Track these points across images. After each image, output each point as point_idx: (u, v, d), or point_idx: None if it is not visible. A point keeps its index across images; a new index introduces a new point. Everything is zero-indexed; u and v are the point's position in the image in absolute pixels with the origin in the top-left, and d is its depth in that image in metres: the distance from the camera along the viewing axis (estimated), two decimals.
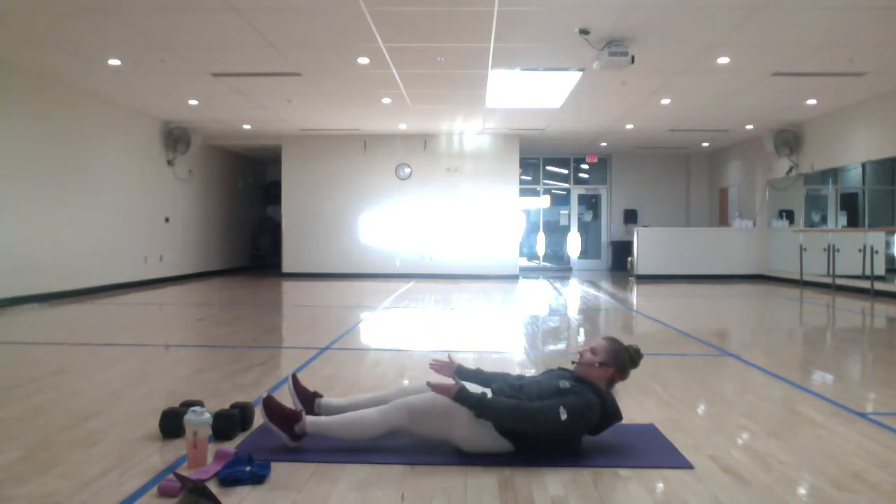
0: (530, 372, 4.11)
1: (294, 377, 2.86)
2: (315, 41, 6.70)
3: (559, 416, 2.43)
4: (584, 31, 6.29)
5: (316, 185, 13.04)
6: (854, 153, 9.74)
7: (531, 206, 15.67)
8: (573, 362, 2.75)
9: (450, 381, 2.58)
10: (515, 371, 4.01)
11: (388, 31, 6.39)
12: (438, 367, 2.89)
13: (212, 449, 2.52)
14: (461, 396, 2.46)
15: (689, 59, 7.27)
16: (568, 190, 15.65)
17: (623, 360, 2.67)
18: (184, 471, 2.30)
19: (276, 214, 14.85)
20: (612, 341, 2.72)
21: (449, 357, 2.93)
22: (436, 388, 2.51)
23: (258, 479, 2.25)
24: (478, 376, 2.80)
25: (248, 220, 15.53)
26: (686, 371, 4.13)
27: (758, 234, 12.54)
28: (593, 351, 2.69)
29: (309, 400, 2.79)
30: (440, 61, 7.43)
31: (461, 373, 2.83)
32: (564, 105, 9.65)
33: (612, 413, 2.58)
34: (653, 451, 2.57)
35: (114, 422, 2.95)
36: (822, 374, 4.14)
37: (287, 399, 2.85)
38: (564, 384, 2.57)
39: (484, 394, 2.52)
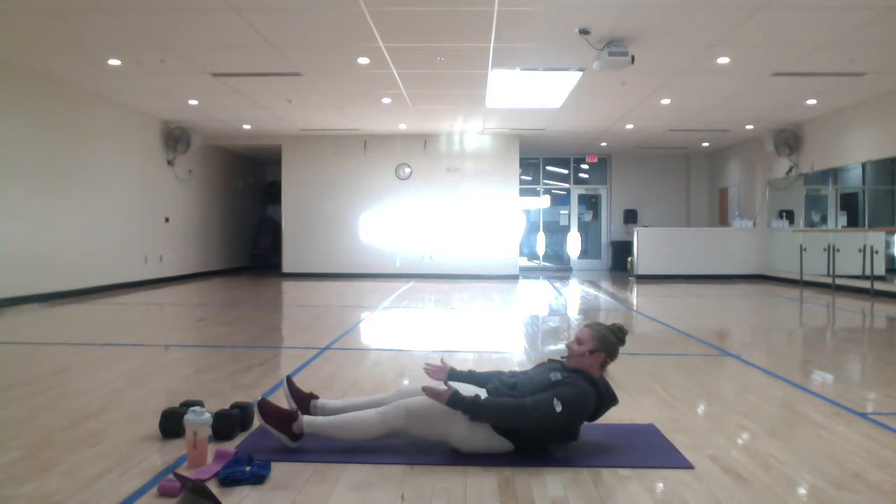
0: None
1: (289, 379, 2.86)
2: (315, 41, 6.70)
3: (554, 409, 2.42)
4: (584, 31, 6.29)
5: (316, 185, 13.04)
6: (854, 153, 9.74)
7: (531, 206, 15.67)
8: (562, 357, 2.74)
9: (442, 386, 2.58)
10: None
11: (388, 31, 6.39)
12: (432, 371, 2.88)
13: (212, 449, 2.52)
14: (454, 401, 2.46)
15: (689, 59, 7.27)
16: (568, 190, 15.65)
17: (610, 341, 2.65)
18: (184, 471, 2.30)
19: (276, 214, 14.85)
20: (595, 327, 2.70)
21: (441, 361, 2.93)
22: (429, 393, 2.50)
23: (258, 479, 2.25)
24: (471, 378, 2.79)
25: (248, 220, 15.53)
26: (686, 371, 4.13)
27: (758, 234, 12.54)
28: (579, 341, 2.67)
29: (305, 401, 2.79)
30: (440, 61, 7.43)
31: (454, 375, 2.82)
32: (564, 105, 9.65)
33: (607, 398, 2.58)
34: (653, 451, 2.57)
35: (114, 422, 2.95)
36: (823, 374, 4.14)
37: (284, 401, 2.85)
38: (556, 376, 2.57)
39: (477, 396, 2.51)
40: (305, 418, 2.55)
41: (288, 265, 13.03)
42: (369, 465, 2.40)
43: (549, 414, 2.42)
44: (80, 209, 8.93)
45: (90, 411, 3.12)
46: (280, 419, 2.54)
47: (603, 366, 2.66)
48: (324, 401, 2.82)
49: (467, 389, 2.58)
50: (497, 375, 2.76)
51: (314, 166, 13.01)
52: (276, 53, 7.10)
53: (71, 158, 8.70)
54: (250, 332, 5.73)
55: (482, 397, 2.51)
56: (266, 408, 2.57)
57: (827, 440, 2.74)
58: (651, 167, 15.34)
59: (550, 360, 2.79)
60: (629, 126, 11.52)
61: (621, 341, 2.68)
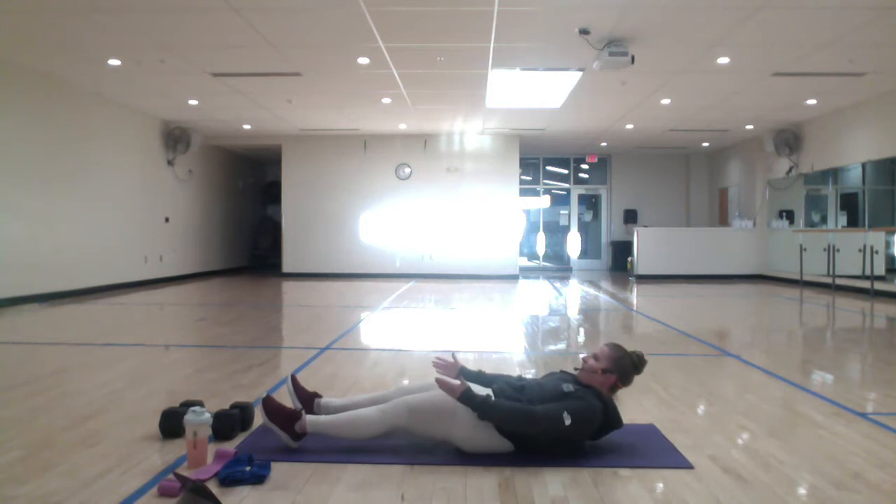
0: (531, 373, 4.11)
1: (293, 378, 2.86)
2: (315, 41, 6.70)
3: (563, 421, 2.42)
4: (584, 31, 6.29)
5: (316, 185, 13.04)
6: (854, 153, 9.74)
7: (531, 206, 15.67)
8: (576, 369, 2.74)
9: (455, 381, 2.58)
10: (516, 372, 4.01)
11: (388, 31, 6.39)
12: (442, 365, 2.88)
13: (212, 449, 2.52)
14: (466, 397, 2.46)
15: (689, 59, 7.27)
16: (568, 190, 15.65)
17: (625, 366, 2.66)
18: (184, 471, 2.30)
19: (276, 214, 14.85)
20: (615, 348, 2.70)
21: (453, 357, 2.92)
22: (443, 385, 2.50)
23: (258, 479, 2.25)
24: (480, 378, 2.80)
25: (248, 220, 15.53)
26: (686, 371, 4.13)
27: (758, 234, 12.54)
28: (595, 357, 2.68)
29: (308, 400, 2.79)
30: (440, 61, 7.43)
31: (464, 374, 2.83)
32: (564, 105, 9.65)
33: (613, 420, 2.57)
34: (653, 451, 2.57)
35: (114, 422, 2.95)
36: (823, 374, 4.14)
37: (286, 400, 2.85)
38: (568, 387, 2.56)
39: (488, 395, 2.51)
40: (308, 417, 2.54)
41: (288, 265, 13.03)
42: (369, 465, 2.40)
43: (556, 425, 2.43)
44: (80, 209, 8.93)
45: (90, 411, 3.12)
46: (284, 417, 2.54)
47: (613, 388, 2.67)
48: (327, 400, 2.82)
49: (475, 388, 2.58)
50: (504, 377, 2.77)
51: (314, 166, 13.01)
52: (276, 53, 7.10)
53: (71, 158, 8.70)
54: (250, 332, 5.73)
55: (492, 398, 2.51)
56: (270, 405, 2.56)
57: (827, 440, 2.73)
58: (651, 167, 15.35)
59: (563, 372, 2.79)
60: (629, 126, 11.52)
61: (637, 370, 2.69)
